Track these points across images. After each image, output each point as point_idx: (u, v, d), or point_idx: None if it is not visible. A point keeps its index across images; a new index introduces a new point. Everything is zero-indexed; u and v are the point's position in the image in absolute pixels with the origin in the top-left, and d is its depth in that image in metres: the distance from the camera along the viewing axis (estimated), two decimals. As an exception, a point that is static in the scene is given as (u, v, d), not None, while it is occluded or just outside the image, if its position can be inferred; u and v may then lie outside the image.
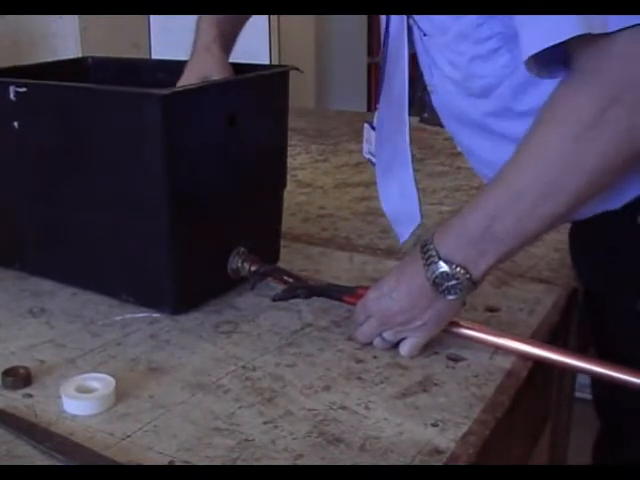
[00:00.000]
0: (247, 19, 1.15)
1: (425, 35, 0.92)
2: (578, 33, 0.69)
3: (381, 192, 1.08)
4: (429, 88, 0.99)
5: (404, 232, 1.05)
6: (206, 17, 1.08)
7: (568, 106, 0.75)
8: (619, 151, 0.74)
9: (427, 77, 0.98)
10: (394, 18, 0.96)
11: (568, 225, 1.19)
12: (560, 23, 0.70)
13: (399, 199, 1.04)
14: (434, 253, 0.81)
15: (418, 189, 1.00)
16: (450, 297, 0.82)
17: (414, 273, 0.83)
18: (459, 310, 0.86)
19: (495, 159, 0.83)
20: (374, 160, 1.10)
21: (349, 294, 0.93)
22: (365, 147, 1.13)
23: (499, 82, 0.87)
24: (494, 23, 0.82)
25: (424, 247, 0.82)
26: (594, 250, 0.97)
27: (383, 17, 0.98)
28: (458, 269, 0.80)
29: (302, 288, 0.95)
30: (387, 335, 0.87)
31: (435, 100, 1.00)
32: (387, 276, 0.88)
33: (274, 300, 0.96)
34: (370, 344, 0.88)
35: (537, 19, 0.71)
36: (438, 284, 0.81)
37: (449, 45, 0.89)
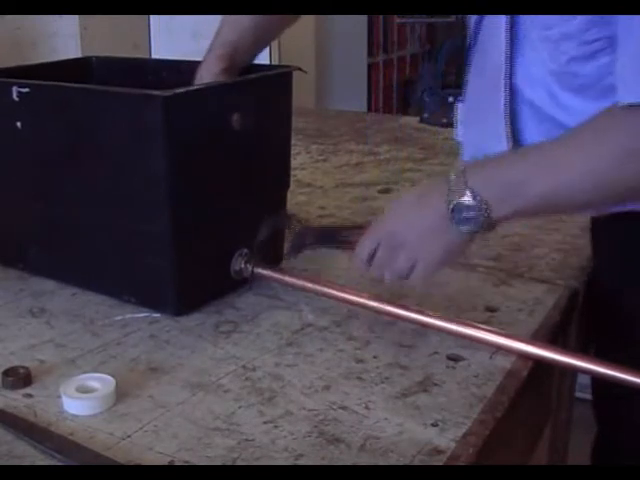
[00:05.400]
0: (270, 38, 1.13)
1: None
2: None
3: None
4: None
5: None
6: (228, 23, 1.06)
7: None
8: None
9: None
10: None
11: (568, 225, 1.19)
12: None
13: None
14: (462, 181, 0.80)
15: None
16: (463, 228, 0.80)
17: (432, 199, 0.83)
18: (467, 248, 0.85)
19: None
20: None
21: (358, 232, 0.90)
22: (461, 130, 1.08)
23: (595, 82, 0.85)
24: (604, 28, 0.80)
25: (452, 176, 0.81)
26: (618, 243, 0.97)
27: None
28: (481, 203, 0.79)
29: (310, 235, 0.95)
30: (397, 263, 0.85)
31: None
32: (400, 201, 0.87)
33: (289, 257, 0.94)
34: (370, 344, 0.88)
35: None
36: (456, 211, 0.80)
37: (550, 40, 0.86)
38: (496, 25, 0.91)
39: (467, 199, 0.79)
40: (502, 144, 0.94)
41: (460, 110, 1.03)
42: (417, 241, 0.84)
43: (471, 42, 0.96)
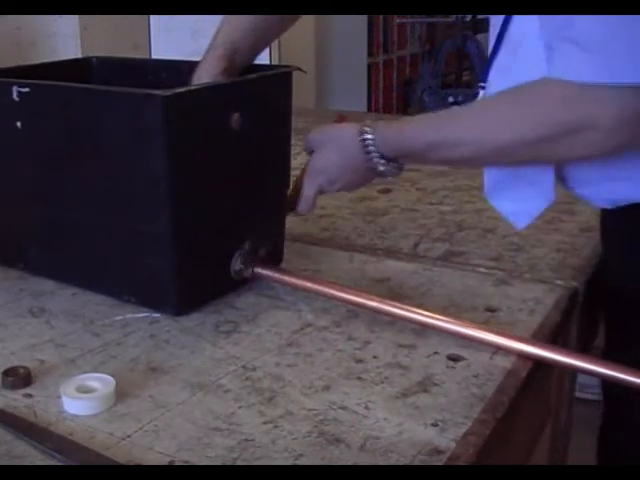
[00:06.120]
0: (271, 39, 1.16)
1: None
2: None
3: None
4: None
5: (529, 212, 1.00)
6: (228, 23, 1.07)
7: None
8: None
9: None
10: None
11: (568, 225, 1.19)
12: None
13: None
14: (374, 149, 0.97)
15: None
16: (386, 177, 1.01)
17: (356, 159, 0.99)
18: None
19: None
20: None
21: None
22: None
23: None
24: None
25: (365, 141, 0.97)
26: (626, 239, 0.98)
27: None
28: (397, 168, 0.98)
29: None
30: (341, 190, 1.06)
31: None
32: (323, 155, 1.03)
33: None
34: (370, 344, 0.89)
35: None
36: (379, 173, 0.99)
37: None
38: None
39: (384, 168, 0.98)
40: None
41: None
42: (353, 180, 1.04)
43: (502, 28, 0.98)
